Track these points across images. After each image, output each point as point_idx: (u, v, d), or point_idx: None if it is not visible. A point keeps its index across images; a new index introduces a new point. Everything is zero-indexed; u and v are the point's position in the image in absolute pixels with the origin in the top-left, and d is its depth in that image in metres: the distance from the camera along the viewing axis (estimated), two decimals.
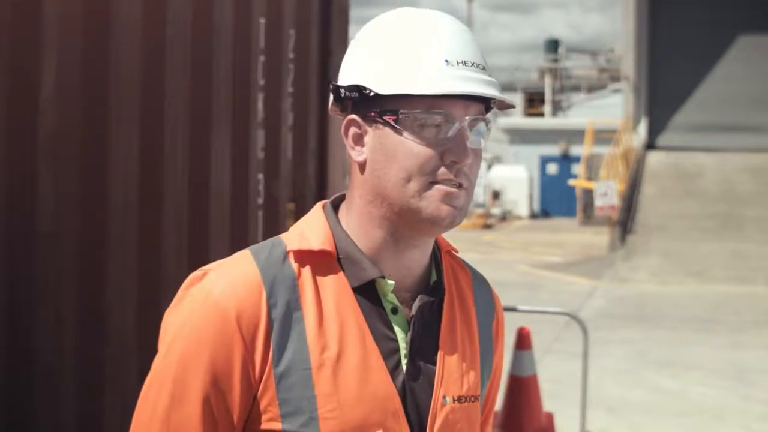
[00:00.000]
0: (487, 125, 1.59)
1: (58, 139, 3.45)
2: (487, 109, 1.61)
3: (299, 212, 4.97)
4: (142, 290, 3.84)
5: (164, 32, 4.04)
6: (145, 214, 3.91)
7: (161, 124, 4.03)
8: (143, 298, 3.82)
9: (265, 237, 4.38)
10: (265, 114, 4.93)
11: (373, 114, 1.56)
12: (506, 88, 49.94)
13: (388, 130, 1.55)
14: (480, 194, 35.27)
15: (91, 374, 3.63)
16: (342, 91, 1.59)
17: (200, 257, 4.09)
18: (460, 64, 1.54)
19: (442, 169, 1.53)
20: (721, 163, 23.44)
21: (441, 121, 1.53)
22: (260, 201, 4.90)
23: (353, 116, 1.60)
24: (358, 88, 1.56)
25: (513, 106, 1.62)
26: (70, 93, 3.51)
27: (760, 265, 17.86)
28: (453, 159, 1.53)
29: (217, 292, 1.53)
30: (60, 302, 3.47)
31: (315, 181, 5.53)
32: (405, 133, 1.53)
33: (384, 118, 1.55)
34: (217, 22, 4.47)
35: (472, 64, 1.55)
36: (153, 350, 1.61)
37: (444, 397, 1.61)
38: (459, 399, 1.63)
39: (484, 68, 1.57)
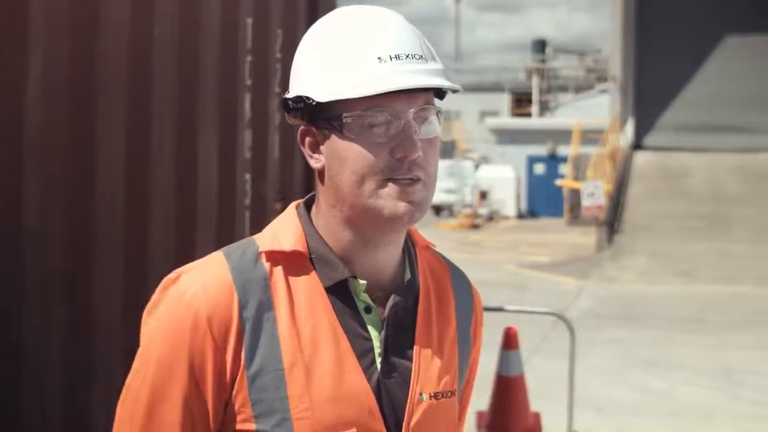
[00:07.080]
0: (437, 114, 1.59)
1: (44, 137, 3.45)
2: (440, 95, 1.61)
3: None
4: (128, 288, 3.83)
5: (151, 31, 4.04)
6: (132, 212, 3.90)
7: (148, 123, 4.03)
8: (130, 296, 3.82)
9: None
10: (252, 114, 4.93)
11: (320, 122, 1.58)
12: (493, 88, 50.10)
13: (336, 135, 1.56)
14: (467, 194, 35.30)
15: (78, 371, 3.62)
16: (289, 103, 1.60)
17: (187, 256, 4.07)
18: (394, 59, 1.53)
19: (395, 166, 1.53)
20: (708, 163, 23.50)
21: (389, 118, 1.53)
22: (247, 201, 4.90)
23: (306, 126, 1.62)
24: (301, 99, 1.57)
25: (457, 90, 1.61)
26: (56, 91, 3.51)
27: (747, 265, 17.91)
28: (402, 154, 1.53)
29: (190, 294, 1.55)
30: (47, 299, 3.47)
31: (302, 180, 5.53)
32: (352, 136, 1.54)
33: (331, 124, 1.56)
34: (204, 22, 4.47)
35: (407, 56, 1.54)
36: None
37: (420, 394, 1.61)
38: (435, 395, 1.63)
39: (421, 57, 1.56)
